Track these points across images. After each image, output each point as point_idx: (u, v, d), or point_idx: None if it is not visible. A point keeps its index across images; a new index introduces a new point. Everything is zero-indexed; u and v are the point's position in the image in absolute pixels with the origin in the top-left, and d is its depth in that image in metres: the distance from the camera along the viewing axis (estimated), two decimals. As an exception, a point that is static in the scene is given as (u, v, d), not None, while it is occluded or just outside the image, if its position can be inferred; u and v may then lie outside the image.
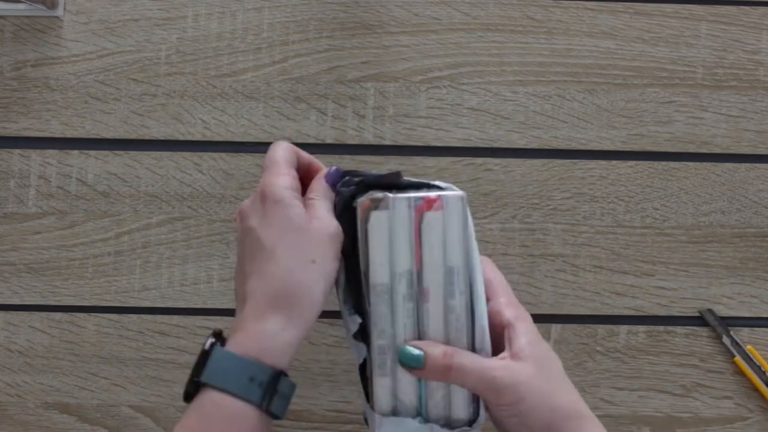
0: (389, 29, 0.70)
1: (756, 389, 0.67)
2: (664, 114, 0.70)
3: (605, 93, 0.69)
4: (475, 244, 0.52)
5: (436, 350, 0.50)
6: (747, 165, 0.69)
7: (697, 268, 0.68)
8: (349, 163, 0.69)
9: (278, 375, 0.48)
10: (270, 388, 0.48)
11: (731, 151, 0.70)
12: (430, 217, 0.51)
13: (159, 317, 0.68)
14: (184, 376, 0.67)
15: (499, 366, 0.50)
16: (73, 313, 0.68)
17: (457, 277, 0.51)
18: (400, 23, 0.70)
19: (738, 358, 0.67)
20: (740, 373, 0.67)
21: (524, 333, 0.52)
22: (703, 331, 0.68)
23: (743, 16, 0.70)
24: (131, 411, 0.67)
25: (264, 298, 0.49)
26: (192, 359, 0.67)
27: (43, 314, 0.68)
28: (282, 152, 0.53)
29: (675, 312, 0.68)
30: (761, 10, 0.70)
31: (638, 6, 0.70)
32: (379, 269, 0.51)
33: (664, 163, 0.69)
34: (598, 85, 0.69)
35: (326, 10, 0.70)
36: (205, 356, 0.49)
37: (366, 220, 0.51)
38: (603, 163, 0.69)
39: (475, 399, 0.52)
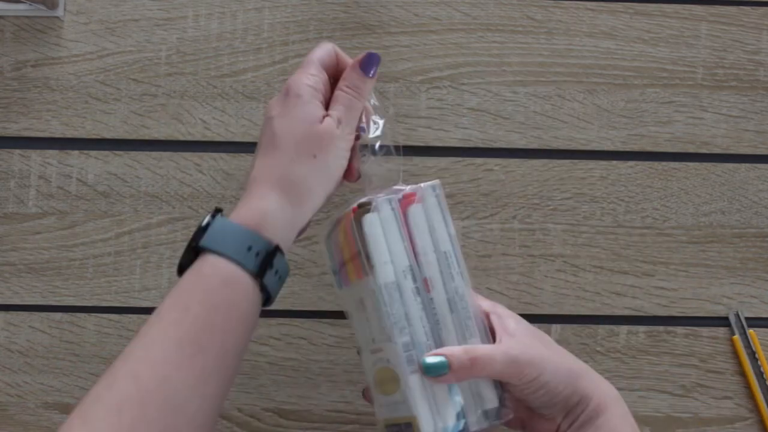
0: (389, 29, 0.70)
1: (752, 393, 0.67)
2: (664, 114, 0.70)
3: (605, 93, 0.69)
4: (454, 231, 0.54)
5: (455, 350, 0.51)
6: (747, 165, 0.69)
7: (697, 268, 0.68)
8: (349, 163, 0.69)
9: (275, 249, 0.51)
10: (266, 260, 0.50)
11: (731, 151, 0.70)
12: (413, 210, 0.53)
13: (159, 317, 0.68)
14: (184, 376, 0.67)
15: (513, 345, 0.51)
16: (74, 313, 0.68)
17: (451, 260, 0.53)
18: (400, 23, 0.70)
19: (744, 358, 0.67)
20: (741, 373, 0.67)
21: (508, 316, 0.54)
22: (703, 331, 0.68)
23: (743, 17, 0.70)
24: (131, 411, 0.67)
25: (267, 181, 0.52)
26: (192, 359, 0.67)
27: (44, 314, 0.68)
28: (319, 52, 0.56)
29: (675, 312, 0.68)
30: (761, 10, 0.70)
31: (638, 6, 0.70)
32: (384, 268, 0.52)
33: (664, 163, 0.69)
34: (598, 85, 0.69)
35: (326, 11, 0.70)
36: (205, 228, 0.51)
37: (360, 226, 0.52)
38: (603, 163, 0.69)
39: (498, 386, 0.53)
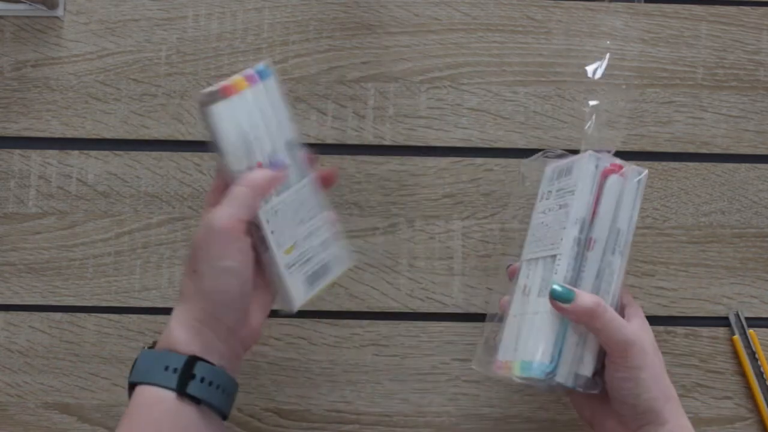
0: (389, 29, 0.70)
1: (753, 393, 0.67)
2: (664, 114, 0.70)
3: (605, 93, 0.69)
4: (636, 220, 0.57)
5: (587, 294, 0.54)
6: (747, 165, 0.69)
7: (697, 268, 0.68)
8: (349, 163, 0.69)
9: (193, 360, 0.51)
10: (185, 373, 0.51)
11: (731, 151, 0.70)
12: (613, 179, 0.56)
13: (159, 317, 0.68)
14: (184, 376, 0.67)
15: (634, 328, 0.54)
16: (74, 313, 0.68)
17: (620, 239, 0.56)
18: (400, 23, 0.70)
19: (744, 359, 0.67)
20: (741, 373, 0.67)
21: (640, 316, 0.56)
22: (703, 331, 0.68)
23: (743, 16, 0.70)
24: (131, 411, 0.67)
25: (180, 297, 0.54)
26: (192, 359, 0.67)
27: (44, 314, 0.68)
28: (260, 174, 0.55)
29: (675, 312, 0.68)
30: (761, 10, 0.70)
31: (638, 6, 0.70)
32: (575, 202, 0.57)
33: (664, 163, 0.69)
34: (597, 85, 0.69)
35: (326, 11, 0.70)
36: (135, 362, 0.53)
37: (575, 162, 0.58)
38: (603, 163, 0.69)
39: (599, 360, 0.55)
